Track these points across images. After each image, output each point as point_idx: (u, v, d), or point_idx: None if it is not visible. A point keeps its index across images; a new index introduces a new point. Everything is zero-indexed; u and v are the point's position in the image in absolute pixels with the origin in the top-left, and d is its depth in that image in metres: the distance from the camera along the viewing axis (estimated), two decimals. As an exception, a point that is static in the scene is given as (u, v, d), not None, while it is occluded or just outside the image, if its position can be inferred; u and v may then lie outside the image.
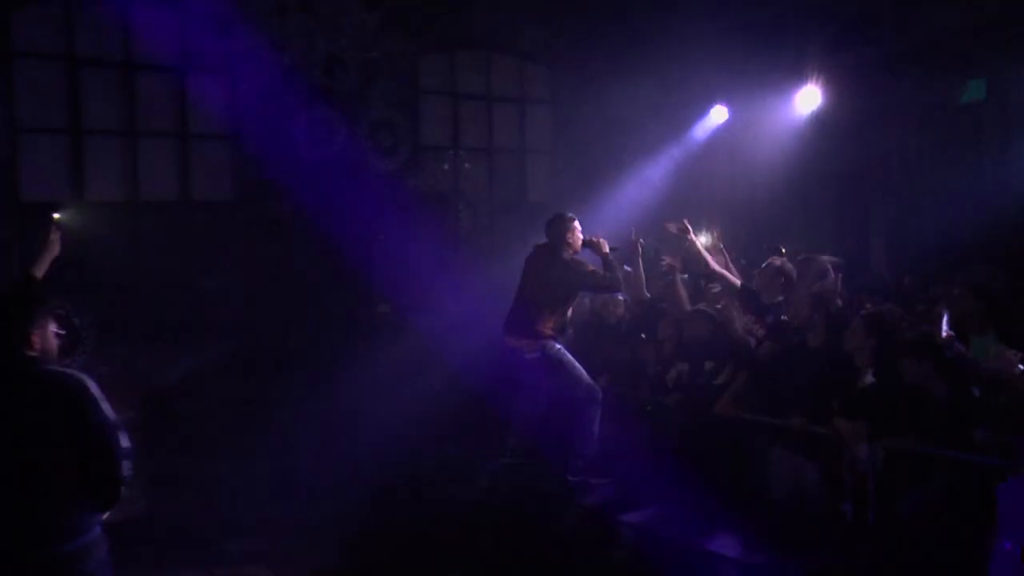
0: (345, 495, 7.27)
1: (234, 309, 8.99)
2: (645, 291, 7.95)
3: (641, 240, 7.85)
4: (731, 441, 6.23)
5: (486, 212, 11.33)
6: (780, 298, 6.73)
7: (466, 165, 11.32)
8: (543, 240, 7.01)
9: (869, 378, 5.63)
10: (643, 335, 7.66)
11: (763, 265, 7.13)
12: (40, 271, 5.53)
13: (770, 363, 6.24)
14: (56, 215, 6.48)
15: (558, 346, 6.74)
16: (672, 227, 7.36)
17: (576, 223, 6.93)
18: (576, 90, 11.50)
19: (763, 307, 6.67)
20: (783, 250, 7.83)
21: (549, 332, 6.69)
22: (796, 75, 9.27)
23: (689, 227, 7.29)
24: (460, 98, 11.21)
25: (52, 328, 3.65)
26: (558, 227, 6.90)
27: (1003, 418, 4.82)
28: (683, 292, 7.52)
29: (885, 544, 5.17)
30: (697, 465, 6.39)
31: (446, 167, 11.18)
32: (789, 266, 7.01)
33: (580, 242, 6.90)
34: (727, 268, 7.33)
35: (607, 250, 6.80)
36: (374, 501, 7.24)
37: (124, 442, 3.43)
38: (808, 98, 9.26)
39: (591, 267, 6.80)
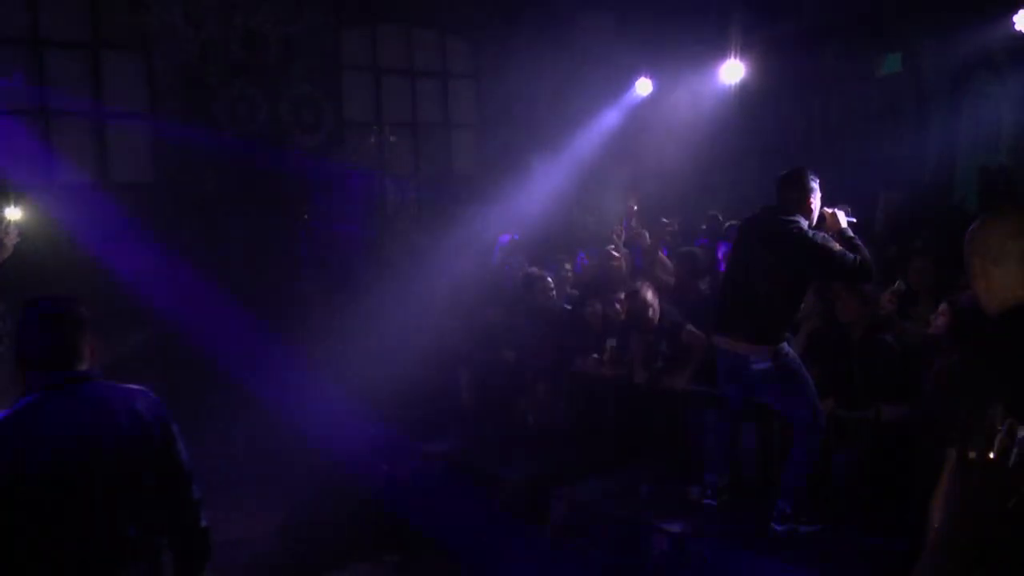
0: (277, 481, 7.19)
1: (157, 294, 8.74)
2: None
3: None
4: (668, 412, 6.30)
5: (412, 187, 11.24)
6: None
7: (392, 139, 11.22)
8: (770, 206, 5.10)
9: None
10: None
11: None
12: None
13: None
14: (10, 214, 5.61)
15: (791, 352, 5.05)
16: None
17: (817, 183, 5.01)
18: (499, 63, 11.39)
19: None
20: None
21: (783, 335, 5.03)
22: (719, 49, 9.36)
23: None
24: (383, 73, 11.09)
25: None
26: (797, 186, 4.97)
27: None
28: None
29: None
30: (633, 437, 6.49)
31: (372, 141, 11.06)
32: None
33: (817, 212, 5.00)
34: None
35: (844, 224, 4.90)
36: (306, 485, 7.18)
37: None
38: (731, 71, 9.38)
39: (835, 246, 4.81)
